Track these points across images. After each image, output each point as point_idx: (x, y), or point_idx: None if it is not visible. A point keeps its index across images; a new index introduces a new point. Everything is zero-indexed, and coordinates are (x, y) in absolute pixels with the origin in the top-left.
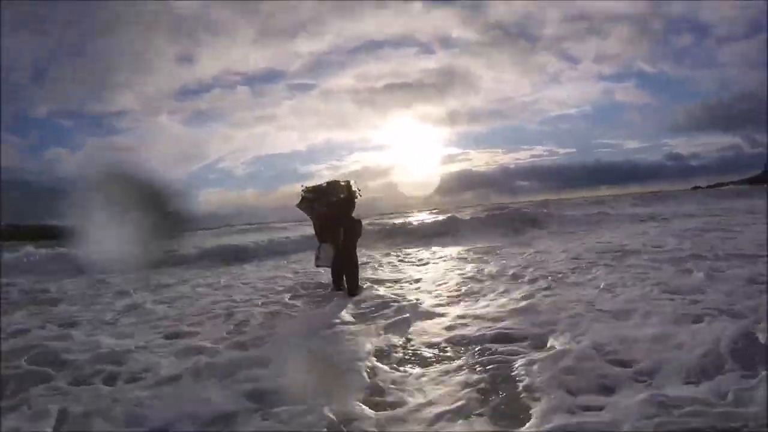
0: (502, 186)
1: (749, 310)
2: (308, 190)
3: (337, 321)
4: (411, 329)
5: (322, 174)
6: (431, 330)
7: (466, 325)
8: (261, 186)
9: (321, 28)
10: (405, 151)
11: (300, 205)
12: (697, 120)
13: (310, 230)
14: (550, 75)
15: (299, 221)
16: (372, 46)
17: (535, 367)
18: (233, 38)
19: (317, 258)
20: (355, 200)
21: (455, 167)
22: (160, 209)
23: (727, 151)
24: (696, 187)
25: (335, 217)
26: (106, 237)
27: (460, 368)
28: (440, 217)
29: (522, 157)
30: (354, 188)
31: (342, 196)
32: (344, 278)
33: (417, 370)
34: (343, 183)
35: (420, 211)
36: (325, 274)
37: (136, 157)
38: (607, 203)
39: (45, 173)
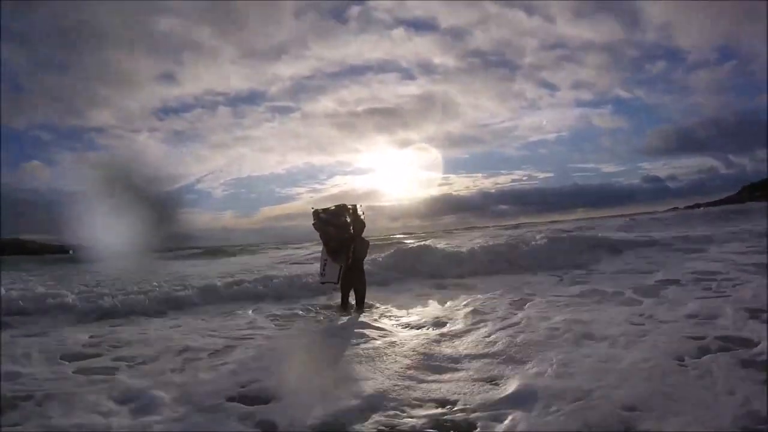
0: (482, 210)
1: None
2: (321, 212)
3: None
4: None
5: (303, 197)
6: None
7: None
8: (240, 208)
9: (303, 51)
10: (385, 175)
11: (316, 226)
12: (672, 143)
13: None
14: (529, 101)
15: (278, 244)
16: (353, 71)
17: None
18: (215, 58)
19: (322, 275)
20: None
21: (435, 191)
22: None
23: (704, 173)
24: (674, 208)
25: (345, 237)
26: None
27: None
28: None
29: (501, 181)
30: (360, 211)
31: (348, 219)
32: (352, 293)
33: None
34: (350, 207)
35: (402, 233)
36: None
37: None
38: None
39: (20, 185)
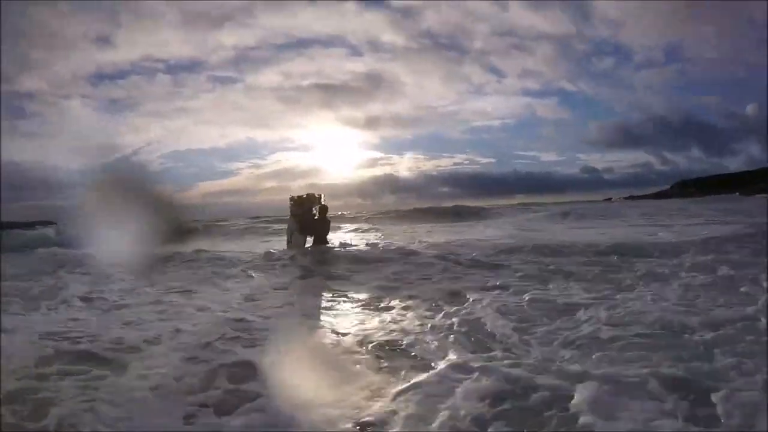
0: (423, 191)
1: None
2: (297, 199)
3: None
4: None
5: (243, 173)
6: None
7: None
8: (178, 182)
9: (249, 20)
10: (327, 153)
11: (293, 211)
12: (611, 137)
13: None
14: (475, 86)
15: (216, 221)
16: (300, 44)
17: None
18: (156, 22)
19: (289, 242)
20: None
21: (377, 171)
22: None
23: (639, 167)
24: (608, 199)
25: (312, 218)
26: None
27: None
28: None
29: (443, 164)
30: (323, 199)
31: (315, 205)
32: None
33: None
34: (317, 195)
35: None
36: None
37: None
38: None
39: None
